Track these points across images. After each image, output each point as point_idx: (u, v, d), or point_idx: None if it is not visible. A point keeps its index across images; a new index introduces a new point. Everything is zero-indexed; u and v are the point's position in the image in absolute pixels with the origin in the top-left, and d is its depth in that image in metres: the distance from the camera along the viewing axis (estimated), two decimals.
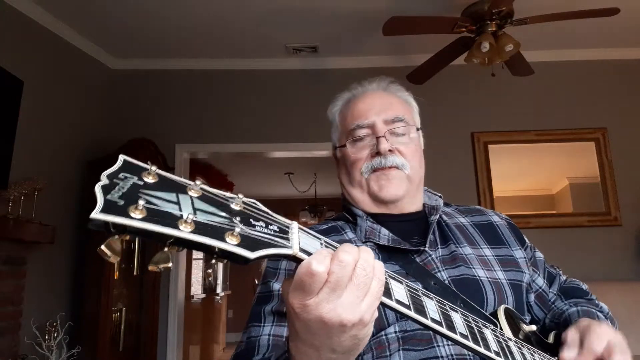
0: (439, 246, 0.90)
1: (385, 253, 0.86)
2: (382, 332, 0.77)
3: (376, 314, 0.50)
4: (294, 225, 0.49)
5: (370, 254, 0.50)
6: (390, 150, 0.92)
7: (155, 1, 3.00)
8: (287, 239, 0.47)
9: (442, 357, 0.75)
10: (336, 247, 0.50)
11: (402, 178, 0.92)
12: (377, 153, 0.92)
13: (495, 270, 0.89)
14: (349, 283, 0.47)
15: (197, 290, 5.80)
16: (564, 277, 1.05)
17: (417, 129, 0.99)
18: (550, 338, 0.86)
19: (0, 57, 2.66)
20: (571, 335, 0.76)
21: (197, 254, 6.05)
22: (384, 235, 0.88)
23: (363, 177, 0.93)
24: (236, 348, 0.81)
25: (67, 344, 2.82)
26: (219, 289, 7.00)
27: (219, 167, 6.08)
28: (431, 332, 0.77)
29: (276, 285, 0.84)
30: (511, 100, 3.71)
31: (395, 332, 0.77)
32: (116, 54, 3.70)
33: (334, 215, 1.03)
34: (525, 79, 3.31)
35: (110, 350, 3.08)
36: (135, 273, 3.42)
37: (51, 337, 2.73)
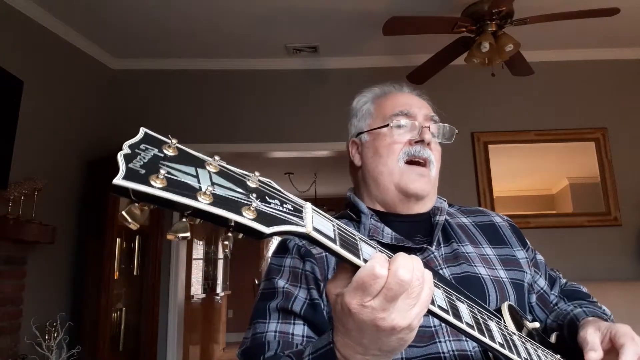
0: (441, 244, 0.91)
1: (387, 250, 0.86)
2: None
3: (422, 320, 0.53)
4: (308, 206, 0.50)
5: (421, 264, 0.53)
6: (428, 144, 0.94)
7: (155, 1, 3.00)
8: (301, 218, 0.48)
9: (443, 353, 0.75)
10: (368, 243, 0.53)
11: (430, 177, 0.94)
12: (419, 142, 0.93)
13: (497, 269, 0.89)
14: (404, 295, 0.51)
15: (197, 290, 5.80)
16: (563, 281, 1.06)
17: (455, 131, 1.02)
18: (552, 338, 0.86)
19: (0, 57, 2.66)
20: (590, 335, 0.75)
21: (197, 254, 6.06)
22: (387, 234, 0.89)
23: (397, 165, 0.93)
24: (241, 344, 0.81)
25: (67, 344, 2.82)
26: (219, 289, 7.00)
27: None
28: (433, 328, 0.77)
29: (280, 282, 0.84)
30: (511, 100, 3.70)
31: None
32: (116, 54, 3.70)
33: (337, 214, 1.04)
34: (525, 79, 3.31)
35: (110, 350, 3.08)
36: (135, 273, 3.42)
37: (51, 337, 2.73)
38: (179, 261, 3.60)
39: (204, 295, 5.90)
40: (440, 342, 0.76)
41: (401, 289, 0.49)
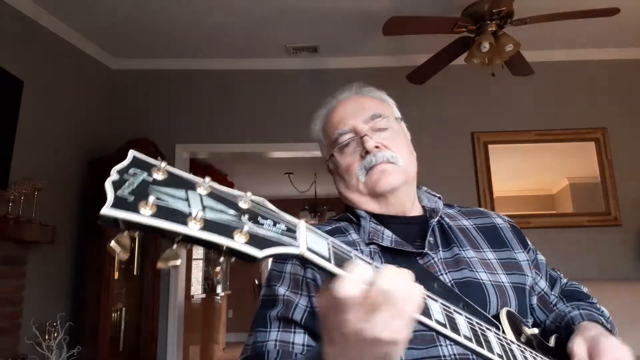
0: (442, 249, 0.90)
1: (388, 255, 0.86)
2: None
3: (410, 335, 0.52)
4: (302, 224, 0.49)
5: (410, 277, 0.51)
6: (377, 147, 0.92)
7: (156, 1, 3.00)
8: (295, 238, 0.47)
9: (444, 356, 0.75)
10: (364, 260, 0.52)
11: (396, 170, 0.92)
12: (366, 152, 0.92)
13: (498, 274, 0.88)
14: (385, 305, 0.49)
15: (197, 290, 5.80)
16: (564, 280, 1.05)
17: (397, 118, 1.00)
18: (551, 342, 0.86)
19: (0, 57, 2.66)
20: (578, 346, 0.77)
21: (197, 254, 6.06)
22: (387, 236, 0.88)
23: (360, 182, 0.93)
24: (242, 352, 0.81)
25: (67, 344, 2.82)
26: (219, 289, 7.00)
27: (219, 167, 6.08)
28: (433, 331, 0.77)
29: (281, 290, 0.83)
30: (511, 100, 3.70)
31: None
32: (116, 54, 3.70)
33: (337, 216, 1.03)
34: (525, 79, 3.31)
35: (110, 350, 3.08)
36: (135, 273, 3.42)
37: (51, 337, 2.73)
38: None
39: (204, 295, 5.91)
40: (441, 345, 0.76)
41: (381, 298, 0.48)
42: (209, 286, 6.52)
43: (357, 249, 0.86)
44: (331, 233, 0.92)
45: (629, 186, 3.52)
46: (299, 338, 0.78)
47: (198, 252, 6.09)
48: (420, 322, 0.55)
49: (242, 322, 7.55)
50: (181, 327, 3.59)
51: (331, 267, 0.48)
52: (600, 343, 0.75)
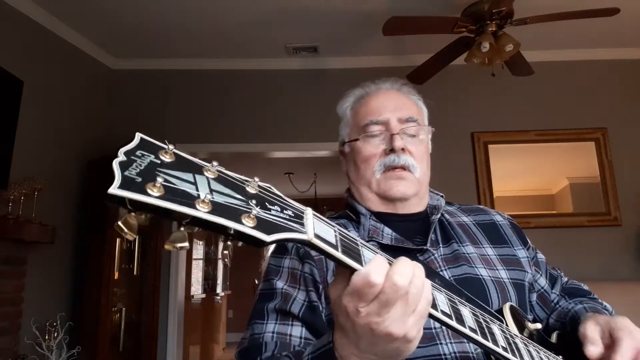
0: (441, 245, 0.90)
1: (388, 252, 0.86)
2: None
3: (421, 333, 0.53)
4: (309, 211, 0.50)
5: (422, 272, 0.52)
6: (402, 149, 0.92)
7: (156, 1, 3.00)
8: (302, 224, 0.47)
9: (444, 354, 0.75)
10: (370, 249, 0.53)
11: (412, 180, 0.92)
12: (391, 150, 0.92)
13: (497, 270, 0.88)
14: (399, 300, 0.50)
15: (197, 290, 5.79)
16: (565, 279, 1.05)
17: (431, 130, 1.00)
18: (553, 338, 0.86)
19: (0, 57, 2.66)
20: (590, 330, 0.74)
21: (197, 254, 6.05)
22: (387, 234, 0.88)
23: (374, 177, 0.92)
24: (239, 344, 0.81)
25: (67, 344, 2.82)
26: (219, 289, 6.99)
27: None
28: (434, 330, 0.77)
29: (279, 283, 0.84)
30: (511, 100, 3.70)
31: None
32: (116, 54, 3.70)
33: (336, 214, 1.03)
34: (525, 79, 3.31)
35: (110, 350, 3.08)
36: (135, 273, 3.42)
37: (51, 337, 2.73)
38: (179, 261, 3.60)
39: (204, 295, 5.90)
40: (441, 344, 0.76)
41: (395, 294, 0.49)
42: (209, 286, 6.51)
43: None
44: None
45: (629, 186, 3.52)
46: (297, 330, 0.78)
47: (198, 252, 6.09)
48: (429, 315, 0.55)
49: (242, 322, 7.47)
50: (181, 327, 3.59)
51: (338, 254, 0.49)
52: (617, 325, 0.72)
